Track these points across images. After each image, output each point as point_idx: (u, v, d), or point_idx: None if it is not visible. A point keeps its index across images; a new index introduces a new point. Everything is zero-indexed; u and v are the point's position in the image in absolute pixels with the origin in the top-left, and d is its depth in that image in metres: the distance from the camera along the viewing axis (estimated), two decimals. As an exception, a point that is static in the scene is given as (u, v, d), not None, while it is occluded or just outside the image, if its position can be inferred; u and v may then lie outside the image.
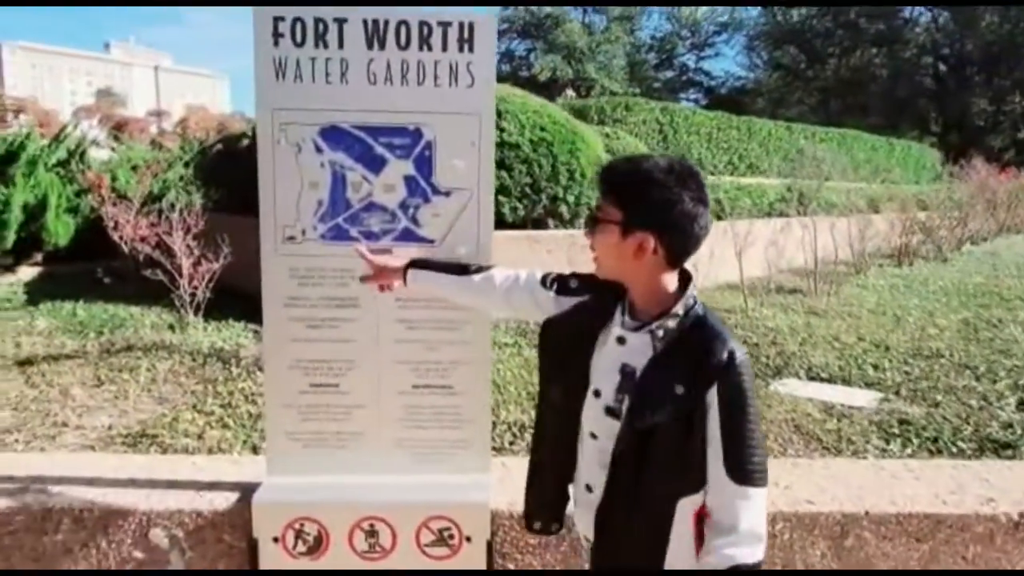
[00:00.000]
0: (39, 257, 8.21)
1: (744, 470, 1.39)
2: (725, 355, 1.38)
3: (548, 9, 37.92)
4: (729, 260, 8.06)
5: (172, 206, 5.55)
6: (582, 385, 1.54)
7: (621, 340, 1.48)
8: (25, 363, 4.43)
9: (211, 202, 8.11)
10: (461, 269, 1.92)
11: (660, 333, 1.43)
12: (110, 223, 6.27)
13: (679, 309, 1.44)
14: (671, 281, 1.47)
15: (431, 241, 2.16)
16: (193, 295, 5.31)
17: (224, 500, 2.23)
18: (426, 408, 2.25)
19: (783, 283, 7.84)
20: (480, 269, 1.90)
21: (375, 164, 2.13)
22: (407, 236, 2.15)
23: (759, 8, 42.33)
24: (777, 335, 5.26)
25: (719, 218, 9.11)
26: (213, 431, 3.34)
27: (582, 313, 1.62)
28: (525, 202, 6.26)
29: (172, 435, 3.27)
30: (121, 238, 6.17)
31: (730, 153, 15.19)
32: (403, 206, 2.14)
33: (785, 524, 2.17)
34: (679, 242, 1.43)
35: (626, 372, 1.45)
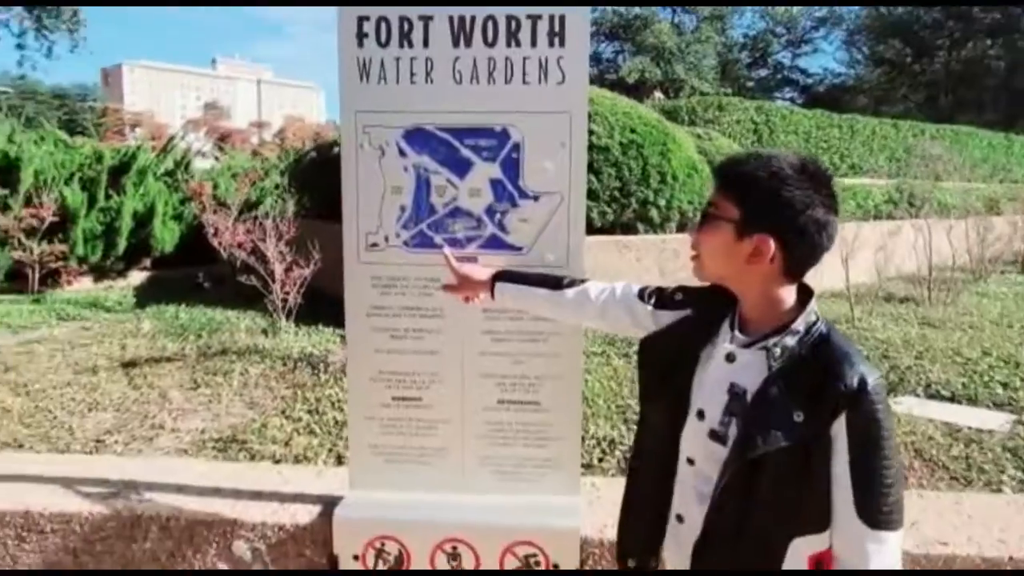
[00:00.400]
0: (147, 262, 8.65)
1: (878, 512, 1.21)
2: (855, 380, 1.19)
3: (637, 10, 37.41)
4: (834, 266, 7.59)
5: (266, 213, 5.68)
6: (684, 406, 1.39)
7: (730, 357, 1.32)
8: (129, 365, 4.62)
9: (304, 209, 8.32)
10: (553, 283, 1.77)
11: (777, 351, 1.26)
12: (210, 230, 6.50)
13: (799, 325, 1.27)
14: (788, 294, 1.30)
15: (519, 248, 2.03)
16: (285, 300, 5.42)
17: (307, 513, 2.18)
18: (512, 425, 2.13)
19: (893, 291, 7.29)
20: (573, 283, 1.75)
21: (460, 167, 2.03)
22: (494, 243, 2.04)
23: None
24: (889, 348, 4.84)
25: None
26: (300, 438, 3.34)
27: (684, 327, 1.47)
28: (614, 206, 6.07)
29: (260, 441, 3.28)
30: (220, 244, 6.38)
31: (831, 153, 14.42)
32: (489, 211, 2.03)
33: (914, 567, 1.92)
34: (803, 251, 1.25)
35: (735, 393, 1.29)
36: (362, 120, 2.04)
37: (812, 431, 1.20)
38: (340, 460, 3.05)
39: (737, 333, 1.34)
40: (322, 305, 5.61)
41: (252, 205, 8.18)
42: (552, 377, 2.10)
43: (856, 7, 40.47)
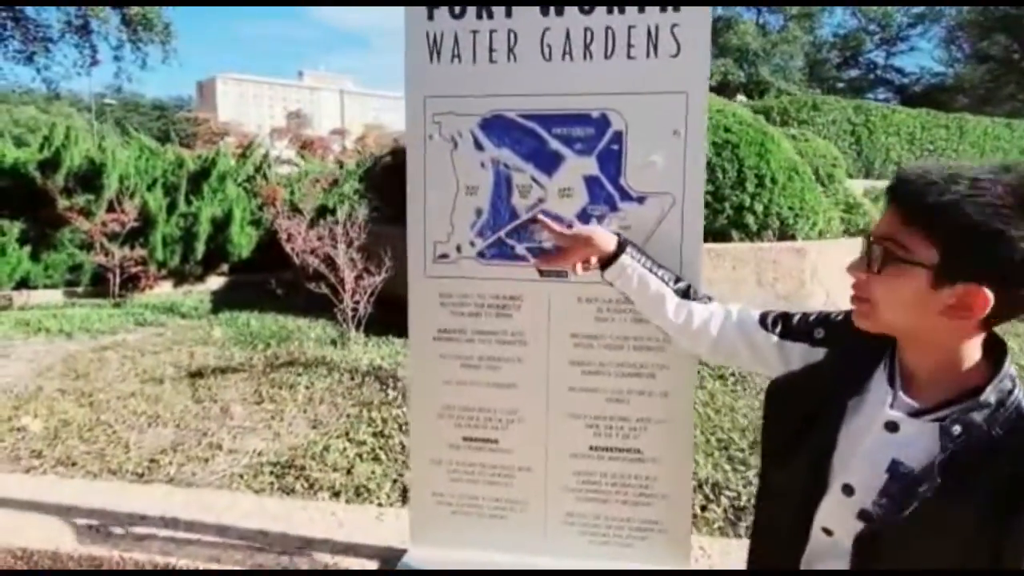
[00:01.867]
0: (225, 267, 8.68)
1: None
2: None
3: (720, 10, 36.26)
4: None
5: (336, 220, 5.47)
6: (824, 475, 1.05)
7: (892, 426, 0.99)
8: (196, 374, 4.46)
9: (378, 213, 8.14)
10: (674, 282, 1.44)
11: (957, 429, 0.93)
12: (283, 235, 6.37)
13: (990, 396, 0.93)
14: (974, 349, 0.96)
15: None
16: (355, 309, 5.18)
17: (360, 568, 1.85)
18: (607, 476, 1.75)
19: None
20: (693, 293, 1.43)
21: (548, 162, 1.67)
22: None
23: (963, -6, 37.88)
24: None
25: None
26: (363, 465, 3.04)
27: (824, 371, 1.13)
28: (706, 212, 5.56)
29: (321, 467, 3.00)
30: (293, 250, 6.23)
31: (936, 156, 13.33)
32: (583, 216, 1.66)
33: None
34: (1019, 303, 0.92)
35: (899, 473, 0.97)
36: (431, 107, 1.71)
37: (1004, 536, 0.89)
38: (405, 494, 2.72)
39: (901, 394, 1.00)
40: (393, 315, 5.31)
41: (329, 211, 8.05)
42: (657, 420, 1.70)
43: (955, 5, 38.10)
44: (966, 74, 41.15)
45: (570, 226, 1.53)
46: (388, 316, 5.13)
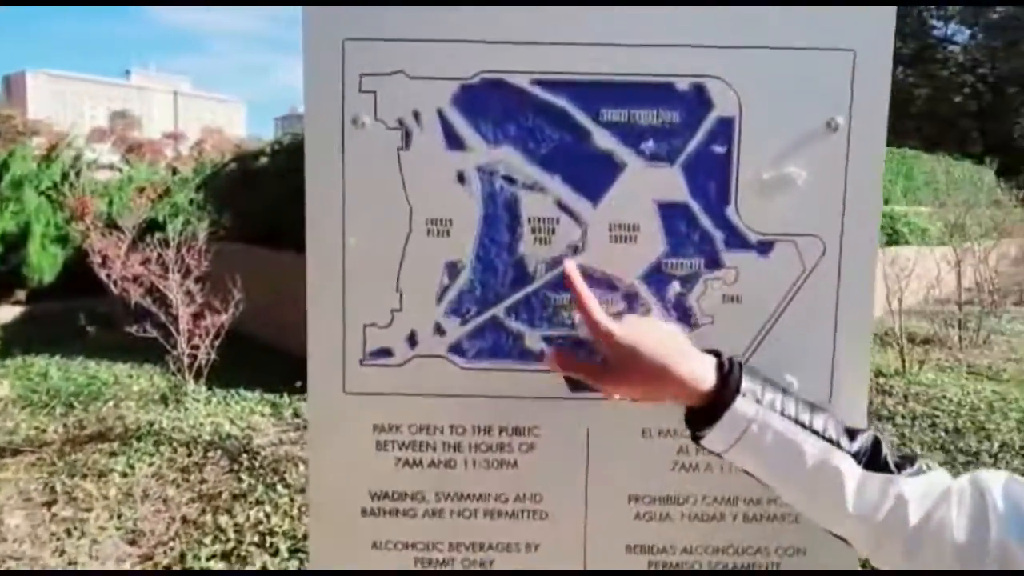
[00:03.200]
0: (21, 295, 7.02)
1: None
2: None
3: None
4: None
5: (166, 241, 4.29)
6: None
7: None
8: (-45, 461, 3.18)
9: (225, 230, 6.95)
10: (845, 432, 0.73)
11: None
12: (96, 258, 5.04)
13: None
14: None
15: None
16: (193, 356, 4.06)
17: None
18: None
19: (911, 329, 6.42)
20: (889, 452, 0.71)
21: (591, 175, 0.87)
22: (662, 349, 0.88)
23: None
24: (976, 414, 3.89)
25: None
26: (208, 612, 2.05)
27: None
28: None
29: (141, 625, 1.98)
30: (109, 276, 4.94)
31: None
32: (656, 277, 0.88)
33: None
34: None
35: None
36: (357, 60, 0.85)
37: None
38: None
39: None
40: (245, 359, 4.27)
41: (159, 227, 6.71)
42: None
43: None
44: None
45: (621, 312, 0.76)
46: (237, 361, 4.07)
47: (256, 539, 2.49)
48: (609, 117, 0.86)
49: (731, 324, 0.88)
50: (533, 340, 0.89)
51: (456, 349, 0.89)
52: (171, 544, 2.48)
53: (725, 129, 0.86)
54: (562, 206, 0.87)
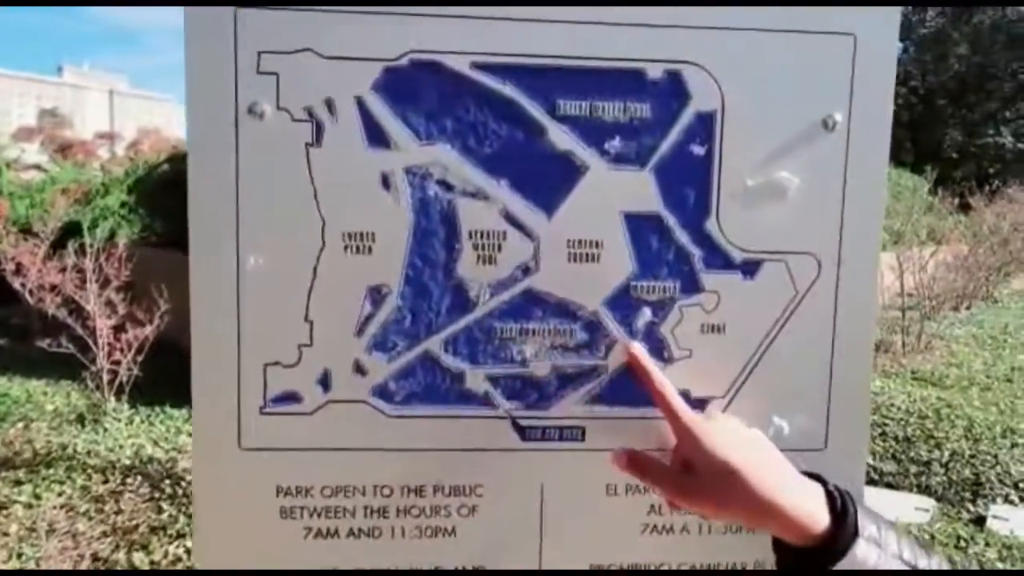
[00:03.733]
0: (-71, 304, 6.50)
1: None
2: None
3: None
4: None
5: (83, 247, 3.97)
6: None
7: None
8: None
9: (155, 236, 6.59)
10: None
11: None
12: (8, 266, 4.67)
13: None
14: None
15: (697, 405, 0.73)
16: (114, 372, 3.76)
17: None
18: None
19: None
20: None
21: (545, 179, 0.72)
22: (628, 392, 0.74)
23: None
24: (925, 422, 3.88)
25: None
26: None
27: None
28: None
29: None
30: (24, 286, 4.58)
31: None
32: (623, 303, 0.73)
33: None
34: None
35: None
36: (256, 34, 0.68)
37: None
38: None
39: None
40: (171, 373, 3.97)
41: (82, 232, 6.31)
42: None
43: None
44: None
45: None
46: (163, 376, 3.81)
47: (175, 580, 2.26)
48: (567, 110, 0.71)
49: (711, 358, 0.74)
50: (475, 379, 0.73)
51: (381, 392, 0.72)
52: (77, 587, 2.23)
53: (705, 126, 0.72)
54: (510, 218, 0.72)
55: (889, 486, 3.39)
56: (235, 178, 0.69)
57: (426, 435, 0.73)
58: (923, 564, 0.58)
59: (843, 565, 0.57)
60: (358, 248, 0.71)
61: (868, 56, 0.72)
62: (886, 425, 3.85)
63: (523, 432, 0.74)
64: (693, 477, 0.63)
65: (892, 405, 4.10)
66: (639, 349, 0.70)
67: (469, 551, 0.75)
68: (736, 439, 0.63)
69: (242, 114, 0.69)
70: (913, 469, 3.33)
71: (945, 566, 0.59)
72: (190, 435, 3.35)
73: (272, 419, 0.72)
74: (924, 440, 3.67)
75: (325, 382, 0.72)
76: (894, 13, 0.73)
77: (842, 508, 0.59)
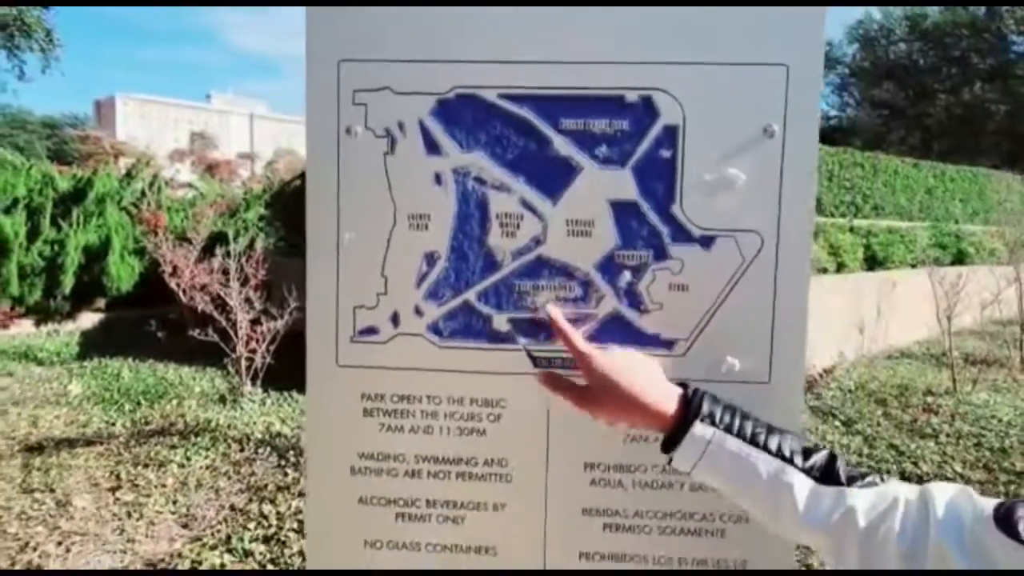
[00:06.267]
0: (102, 303, 7.51)
1: None
2: None
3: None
4: (893, 320, 6.60)
5: (228, 253, 4.59)
6: None
7: None
8: (34, 449, 3.48)
9: (288, 246, 7.27)
10: (800, 451, 0.80)
11: None
12: (167, 268, 5.40)
13: None
14: None
15: (667, 344, 0.98)
16: (250, 359, 4.32)
17: None
18: None
19: (967, 349, 6.25)
20: (831, 465, 0.79)
21: (552, 177, 0.99)
22: (614, 333, 0.99)
23: (856, 44, 40.47)
24: (1025, 435, 3.77)
25: (871, 268, 7.66)
26: (248, 588, 2.22)
27: None
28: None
29: (186, 597, 2.17)
30: (179, 286, 5.28)
31: (853, 193, 13.58)
32: (609, 267, 0.99)
33: None
34: None
35: None
36: (351, 78, 1.00)
37: None
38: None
39: None
40: (299, 364, 4.48)
41: (228, 241, 7.11)
42: None
43: (850, 48, 40.57)
44: (859, 118, 43.76)
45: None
46: (291, 366, 4.28)
47: (295, 526, 2.66)
48: (567, 126, 0.98)
49: (677, 310, 0.98)
50: (500, 322, 1.01)
51: (433, 329, 1.02)
52: (219, 528, 2.67)
53: (670, 136, 0.97)
54: (526, 204, 0.99)
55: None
56: (336, 177, 1.01)
57: (465, 361, 1.02)
58: (760, 439, 0.79)
59: (686, 441, 0.80)
60: (418, 225, 1.00)
61: (798, 80, 0.95)
62: (983, 436, 3.76)
63: (535, 361, 1.01)
64: (587, 389, 0.88)
65: (994, 417, 3.98)
66: (554, 310, 0.96)
67: (495, 448, 1.03)
68: (615, 362, 0.87)
69: (342, 133, 1.00)
70: (1003, 478, 3.26)
71: (787, 443, 0.79)
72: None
73: (359, 345, 1.03)
74: (1021, 453, 3.56)
75: (395, 320, 1.02)
76: (818, 48, 0.95)
77: (690, 399, 0.82)
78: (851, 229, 8.18)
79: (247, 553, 2.46)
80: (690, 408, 0.81)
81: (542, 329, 1.00)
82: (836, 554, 0.76)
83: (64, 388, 4.66)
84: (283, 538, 2.58)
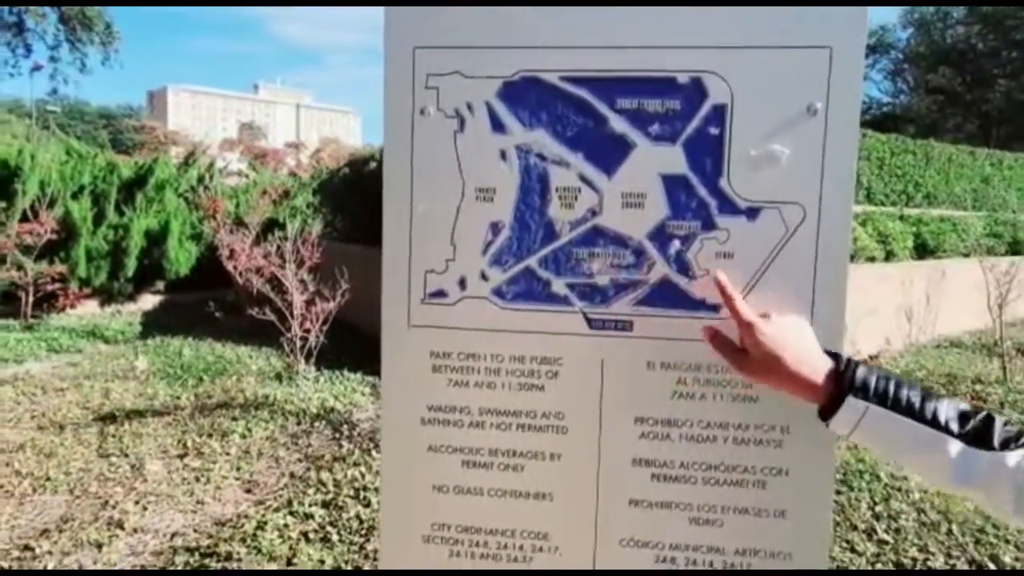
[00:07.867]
0: (160, 286, 7.83)
1: None
2: None
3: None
4: (942, 308, 6.49)
5: (284, 236, 4.77)
6: None
7: None
8: (107, 419, 3.71)
9: (334, 231, 7.47)
10: (956, 415, 0.87)
11: None
12: (224, 251, 5.63)
13: None
14: None
15: (712, 309, 1.06)
16: (305, 338, 4.50)
17: None
18: (686, 637, 1.14)
19: (1020, 339, 6.11)
20: (967, 417, 0.87)
21: (608, 153, 1.07)
22: (664, 296, 1.07)
23: (911, 28, 39.19)
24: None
25: (921, 256, 7.52)
26: (309, 548, 2.37)
27: None
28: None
29: (253, 553, 2.32)
30: (235, 268, 5.51)
31: (905, 181, 13.25)
32: (660, 236, 1.07)
33: None
34: None
35: None
36: (424, 63, 1.10)
37: None
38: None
39: None
40: (350, 344, 4.68)
41: (279, 226, 7.34)
42: (771, 555, 1.10)
43: (904, 33, 39.32)
44: (913, 105, 42.41)
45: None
46: (343, 346, 4.47)
47: (351, 493, 2.81)
48: (622, 105, 1.06)
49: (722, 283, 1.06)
50: (559, 286, 1.10)
51: (497, 292, 1.11)
52: (280, 493, 2.83)
53: (719, 114, 1.04)
54: (583, 178, 1.08)
55: None
56: (410, 154, 1.11)
57: (526, 322, 1.11)
58: (916, 407, 0.86)
59: (840, 412, 0.88)
60: (485, 198, 1.10)
61: (841, 61, 1.01)
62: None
63: (590, 323, 1.10)
64: (747, 356, 0.96)
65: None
66: (721, 275, 1.01)
67: (552, 402, 1.12)
68: (778, 337, 0.93)
69: (416, 115, 1.10)
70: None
71: (943, 409, 0.85)
72: (363, 394, 3.95)
73: (429, 307, 1.13)
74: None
75: (462, 284, 1.12)
76: (861, 30, 1.01)
77: (844, 370, 0.89)
78: (900, 217, 8.04)
79: (308, 516, 2.62)
80: (843, 381, 0.89)
81: (597, 292, 1.09)
82: (992, 505, 0.84)
83: (131, 364, 4.92)
84: (340, 503, 2.72)
